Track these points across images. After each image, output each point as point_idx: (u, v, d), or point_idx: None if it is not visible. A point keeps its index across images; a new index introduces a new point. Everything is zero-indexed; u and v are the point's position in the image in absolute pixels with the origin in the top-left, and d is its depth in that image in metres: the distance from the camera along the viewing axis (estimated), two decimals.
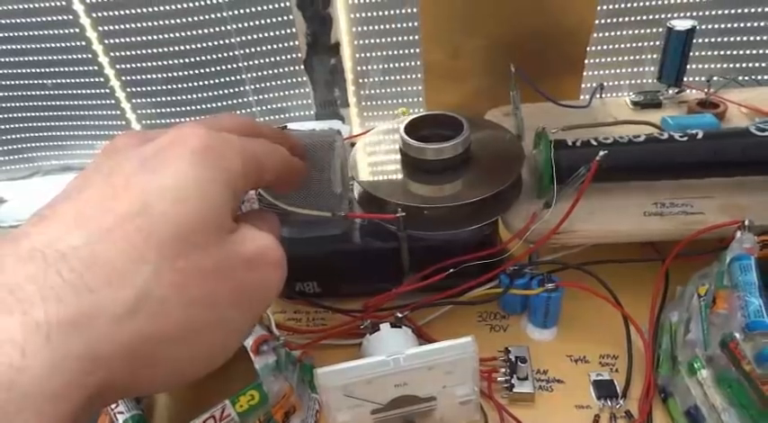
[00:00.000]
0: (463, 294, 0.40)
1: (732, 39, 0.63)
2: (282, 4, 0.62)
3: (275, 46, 0.65)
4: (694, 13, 0.62)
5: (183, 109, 0.69)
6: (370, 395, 0.30)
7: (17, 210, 0.67)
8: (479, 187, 0.39)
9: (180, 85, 0.67)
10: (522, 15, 0.56)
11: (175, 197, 0.20)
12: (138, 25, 0.62)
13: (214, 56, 0.65)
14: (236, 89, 0.68)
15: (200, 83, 0.67)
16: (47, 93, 0.68)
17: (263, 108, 0.70)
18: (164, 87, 0.67)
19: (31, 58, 0.65)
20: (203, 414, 0.29)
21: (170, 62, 0.65)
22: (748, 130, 0.40)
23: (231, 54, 0.65)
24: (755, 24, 0.62)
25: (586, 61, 0.61)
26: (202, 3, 0.61)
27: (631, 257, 0.42)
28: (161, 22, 0.62)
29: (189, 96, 0.68)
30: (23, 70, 0.66)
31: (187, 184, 0.21)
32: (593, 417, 0.35)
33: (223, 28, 0.63)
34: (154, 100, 0.68)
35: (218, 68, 0.66)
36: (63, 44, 0.63)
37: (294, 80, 0.68)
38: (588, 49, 0.59)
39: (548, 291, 0.38)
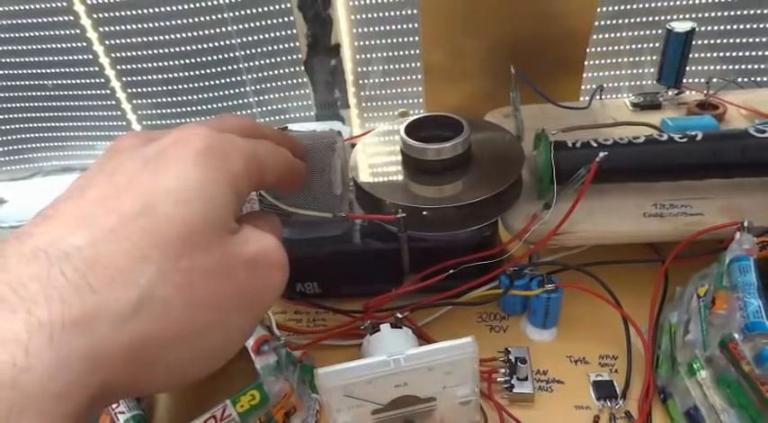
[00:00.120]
0: (463, 295, 0.40)
1: (731, 40, 0.64)
2: (283, 6, 0.62)
3: (276, 47, 0.65)
4: (694, 15, 0.62)
5: (184, 110, 0.69)
6: (371, 395, 0.30)
7: (18, 210, 0.67)
8: (479, 188, 0.40)
9: (181, 86, 0.67)
10: (522, 17, 0.56)
11: (178, 198, 0.20)
12: (139, 26, 0.62)
13: (215, 57, 0.65)
14: (237, 90, 0.68)
15: (201, 84, 0.67)
16: (47, 93, 0.68)
17: (264, 109, 0.70)
18: (164, 88, 0.67)
19: (31, 59, 0.65)
20: (204, 414, 0.29)
21: (171, 63, 0.65)
22: (747, 131, 0.40)
23: (232, 55, 0.65)
24: (755, 26, 0.62)
25: (586, 63, 0.61)
26: (203, 4, 0.61)
27: (631, 258, 0.42)
28: (162, 24, 0.62)
29: (190, 97, 0.68)
30: (24, 71, 0.66)
31: (190, 185, 0.21)
32: (592, 417, 0.35)
33: (224, 29, 0.63)
34: (155, 101, 0.69)
35: (219, 69, 0.66)
36: (64, 45, 0.64)
37: (294, 81, 0.68)
38: (588, 50, 0.59)
39: (547, 291, 0.38)
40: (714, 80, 0.53)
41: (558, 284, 0.39)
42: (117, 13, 0.61)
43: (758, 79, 0.63)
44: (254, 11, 0.62)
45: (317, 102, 0.70)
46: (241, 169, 0.23)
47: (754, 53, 0.64)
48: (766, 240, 0.35)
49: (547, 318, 0.40)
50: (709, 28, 0.63)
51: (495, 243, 0.42)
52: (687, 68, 0.53)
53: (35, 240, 0.19)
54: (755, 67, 0.65)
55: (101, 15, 0.61)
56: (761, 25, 0.62)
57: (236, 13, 0.62)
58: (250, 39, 0.64)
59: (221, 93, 0.68)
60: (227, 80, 0.67)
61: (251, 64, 0.66)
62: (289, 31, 0.64)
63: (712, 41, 0.64)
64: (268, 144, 0.26)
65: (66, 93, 0.68)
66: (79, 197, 0.21)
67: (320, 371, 0.29)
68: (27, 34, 0.63)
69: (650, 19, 0.62)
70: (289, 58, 0.66)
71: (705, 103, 0.52)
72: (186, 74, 0.66)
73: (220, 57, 0.65)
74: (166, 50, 0.64)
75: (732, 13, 0.62)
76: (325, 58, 0.66)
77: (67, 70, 0.66)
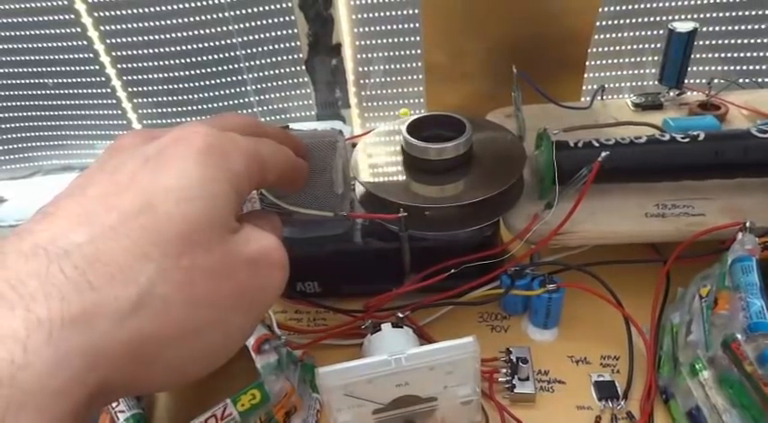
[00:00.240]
0: (464, 295, 0.40)
1: (733, 41, 0.63)
2: (284, 5, 0.62)
3: (277, 46, 0.65)
4: (695, 16, 0.62)
5: (185, 109, 0.69)
6: (372, 395, 0.30)
7: (18, 209, 0.67)
8: (481, 188, 0.39)
9: (181, 86, 0.67)
10: (524, 17, 0.56)
11: (179, 196, 0.20)
12: (140, 25, 0.62)
13: (215, 56, 0.65)
14: (238, 89, 0.68)
15: (202, 83, 0.67)
16: (48, 92, 0.68)
17: (265, 108, 0.70)
18: (165, 87, 0.67)
19: (32, 58, 0.65)
20: (205, 413, 0.29)
21: (171, 62, 0.65)
22: (749, 131, 0.40)
23: (233, 54, 0.65)
24: (756, 27, 0.62)
25: (587, 63, 0.61)
26: (204, 3, 0.61)
27: (633, 259, 0.42)
28: (162, 23, 0.62)
29: (190, 96, 0.68)
30: (24, 70, 0.66)
31: (191, 184, 0.21)
32: (594, 418, 0.35)
33: (225, 28, 0.63)
34: (155, 100, 0.68)
35: (220, 69, 0.66)
36: (64, 44, 0.64)
37: (295, 81, 0.68)
38: (589, 50, 0.59)
39: (549, 291, 0.38)
40: (716, 81, 0.53)
41: (560, 284, 0.39)
42: (117, 12, 0.61)
43: (760, 80, 0.63)
44: (255, 10, 0.62)
45: (318, 101, 0.70)
46: (242, 168, 0.23)
47: (755, 54, 0.64)
48: None
49: (548, 318, 0.40)
50: (711, 28, 0.63)
51: (497, 243, 0.42)
52: (689, 69, 0.53)
53: (35, 237, 0.19)
54: (757, 67, 0.65)
55: (101, 14, 0.61)
56: (763, 26, 0.62)
57: (237, 13, 0.62)
58: (251, 38, 0.64)
59: (222, 92, 0.68)
60: (228, 79, 0.67)
61: (252, 63, 0.66)
62: (290, 31, 0.64)
63: (714, 42, 0.64)
64: (270, 142, 0.26)
65: (66, 91, 0.68)
66: (80, 195, 0.21)
67: (321, 370, 0.29)
68: (27, 33, 0.63)
69: (652, 19, 0.62)
70: (290, 57, 0.66)
71: (707, 103, 0.52)
72: (187, 73, 0.66)
73: (221, 56, 0.65)
74: (167, 49, 0.64)
75: (734, 14, 0.62)
76: (327, 57, 0.66)
77: (68, 69, 0.66)
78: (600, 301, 0.38)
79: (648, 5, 0.61)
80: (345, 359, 0.30)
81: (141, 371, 0.19)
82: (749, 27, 0.62)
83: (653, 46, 0.64)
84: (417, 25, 0.62)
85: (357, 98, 0.70)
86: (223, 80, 0.67)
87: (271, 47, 0.65)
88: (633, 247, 0.42)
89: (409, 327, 0.37)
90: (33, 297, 0.17)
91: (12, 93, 0.68)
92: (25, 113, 0.70)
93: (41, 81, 0.67)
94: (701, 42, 0.63)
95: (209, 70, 0.66)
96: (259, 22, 0.63)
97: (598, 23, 0.61)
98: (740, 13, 0.61)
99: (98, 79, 0.66)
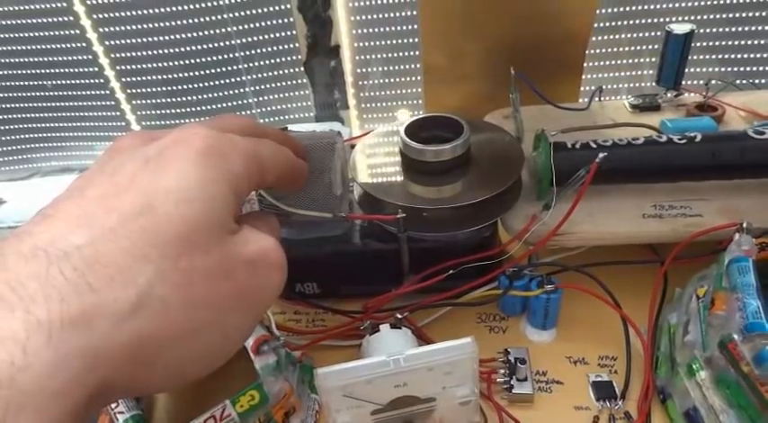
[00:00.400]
0: (463, 296, 0.40)
1: (730, 43, 0.64)
2: (283, 7, 0.62)
3: (276, 48, 0.65)
4: (693, 17, 0.62)
5: (184, 110, 0.69)
6: (370, 396, 0.30)
7: (17, 211, 0.67)
8: (479, 189, 0.40)
9: (180, 87, 0.67)
10: (522, 18, 0.56)
11: (179, 198, 0.20)
12: (139, 27, 0.62)
13: (215, 58, 0.65)
14: (237, 91, 0.68)
15: (201, 84, 0.67)
16: (47, 94, 0.68)
17: (264, 110, 0.70)
18: (164, 89, 0.67)
19: (31, 59, 0.65)
20: (203, 414, 0.29)
21: (171, 64, 0.65)
22: (746, 133, 0.41)
23: (232, 56, 0.65)
24: (753, 29, 0.62)
25: (585, 64, 0.61)
26: (203, 5, 0.61)
27: (630, 259, 0.42)
28: (162, 24, 0.62)
29: (189, 98, 0.68)
30: (24, 71, 0.66)
31: (190, 185, 0.21)
32: (592, 418, 0.35)
33: (224, 30, 0.63)
34: (154, 101, 0.69)
35: (219, 70, 0.66)
36: (63, 45, 0.64)
37: (294, 82, 0.68)
38: (587, 51, 0.59)
39: (547, 292, 0.38)
40: (713, 82, 0.53)
41: (558, 285, 0.39)
42: (117, 14, 0.61)
43: (757, 81, 0.63)
44: (254, 12, 0.63)
45: (317, 103, 0.70)
46: (241, 169, 0.23)
47: (752, 55, 0.64)
48: (765, 241, 0.35)
49: (546, 318, 0.40)
50: (708, 30, 0.63)
51: (495, 244, 0.42)
52: (686, 70, 0.53)
53: (34, 239, 0.19)
54: (754, 69, 0.65)
55: (101, 16, 0.61)
56: (759, 28, 0.62)
57: (236, 14, 0.62)
58: (250, 40, 0.64)
59: (221, 93, 0.68)
60: (227, 81, 0.67)
61: (251, 65, 0.66)
62: (288, 32, 0.64)
63: (711, 43, 0.64)
64: (269, 143, 0.26)
65: (65, 93, 0.68)
66: (79, 196, 0.21)
67: (320, 371, 0.29)
68: (27, 34, 0.63)
69: (649, 21, 0.62)
70: (288, 58, 0.66)
71: (704, 104, 0.52)
72: (186, 74, 0.66)
73: (220, 57, 0.65)
74: (166, 51, 0.64)
75: (731, 16, 0.62)
76: (325, 59, 0.66)
77: (67, 70, 0.66)
78: (598, 301, 0.38)
79: (646, 7, 0.62)
80: (344, 360, 0.30)
81: (140, 372, 0.19)
82: (746, 29, 0.62)
83: (650, 47, 0.64)
84: (416, 27, 0.62)
85: (356, 99, 0.70)
86: (222, 82, 0.67)
87: (269, 48, 0.65)
88: (631, 247, 0.42)
89: (408, 327, 0.37)
90: (33, 299, 0.17)
91: (11, 94, 0.68)
92: (24, 115, 0.70)
93: (41, 82, 0.67)
94: (698, 44, 0.63)
95: (208, 72, 0.66)
96: (258, 24, 0.63)
97: (596, 25, 0.61)
98: (737, 15, 0.62)
99: (97, 81, 0.67)
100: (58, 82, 0.67)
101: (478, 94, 0.61)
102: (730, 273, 0.33)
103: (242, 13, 0.62)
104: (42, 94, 0.68)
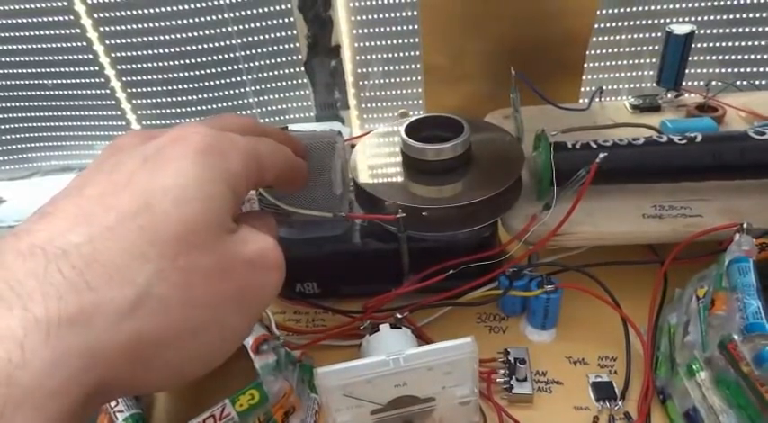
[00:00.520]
0: (463, 296, 0.40)
1: (730, 44, 0.64)
2: (283, 7, 0.62)
3: (276, 48, 0.65)
4: (693, 18, 0.62)
5: (184, 110, 0.69)
6: (370, 395, 0.30)
7: (16, 210, 0.67)
8: (479, 189, 0.40)
9: (181, 87, 0.67)
10: (522, 19, 0.56)
11: (177, 197, 0.20)
12: (140, 26, 0.62)
13: (215, 57, 0.65)
14: (237, 91, 0.68)
15: (201, 84, 0.67)
16: (47, 93, 0.68)
17: (264, 110, 0.70)
18: (164, 88, 0.67)
19: (31, 59, 0.65)
20: (203, 413, 0.29)
21: (171, 63, 0.65)
22: (747, 133, 0.41)
23: (232, 56, 0.65)
24: (753, 30, 0.62)
25: (586, 65, 0.61)
26: (204, 4, 0.61)
27: (630, 260, 0.42)
28: (162, 24, 0.62)
29: (190, 97, 0.68)
30: (24, 70, 0.66)
31: (188, 184, 0.21)
32: (591, 418, 0.35)
33: (224, 30, 0.63)
34: (154, 101, 0.69)
35: (219, 70, 0.66)
36: (64, 45, 0.64)
37: (295, 82, 0.68)
38: (587, 52, 0.59)
39: (547, 292, 0.38)
40: (713, 83, 0.53)
41: (558, 285, 0.39)
42: (117, 13, 0.61)
43: (757, 82, 0.64)
44: (255, 11, 0.63)
45: (317, 103, 0.70)
46: (240, 168, 0.23)
47: (752, 56, 0.64)
48: (765, 242, 0.35)
49: (546, 318, 0.40)
50: (709, 31, 0.63)
51: (495, 244, 0.42)
52: (686, 71, 0.53)
53: (32, 237, 0.19)
54: (754, 70, 0.65)
55: (101, 15, 0.61)
56: (759, 29, 0.62)
57: (237, 14, 0.62)
58: (250, 39, 0.64)
59: (221, 93, 0.68)
60: (228, 81, 0.67)
61: (251, 64, 0.66)
62: (289, 32, 0.64)
63: (711, 44, 0.64)
64: (269, 141, 0.26)
65: (65, 92, 0.68)
66: (78, 195, 0.21)
67: (320, 370, 0.29)
68: (27, 34, 0.63)
69: (650, 22, 0.62)
70: (289, 58, 0.66)
71: (704, 105, 0.52)
72: (186, 74, 0.66)
73: (221, 57, 0.65)
74: (166, 50, 0.64)
75: (731, 17, 0.62)
76: (326, 59, 0.66)
77: (67, 70, 0.66)
78: (598, 301, 0.38)
79: (646, 8, 0.62)
80: (344, 360, 0.30)
81: (138, 371, 0.19)
82: (746, 30, 0.62)
83: (651, 48, 0.64)
84: (416, 27, 0.62)
85: (356, 99, 0.70)
86: (222, 81, 0.67)
87: (270, 48, 0.65)
88: (631, 248, 0.42)
89: (408, 327, 0.37)
90: (31, 297, 0.17)
91: (11, 93, 0.68)
92: (25, 114, 0.70)
93: (41, 82, 0.67)
94: (698, 45, 0.63)
95: (208, 71, 0.66)
96: (258, 24, 0.63)
97: (596, 26, 0.61)
98: (737, 16, 0.62)
99: (97, 80, 0.67)
100: (59, 81, 0.67)
101: (479, 95, 0.61)
102: (730, 273, 0.33)
103: (242, 13, 0.62)
104: (42, 93, 0.68)
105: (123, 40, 0.63)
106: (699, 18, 0.62)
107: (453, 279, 0.39)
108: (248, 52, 0.65)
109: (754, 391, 0.29)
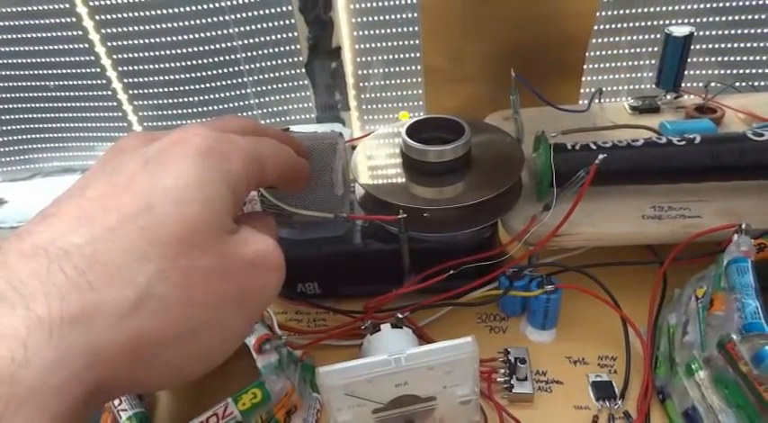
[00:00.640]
0: (463, 296, 0.40)
1: (729, 45, 0.64)
2: (284, 9, 0.62)
3: (277, 49, 0.66)
4: (692, 20, 0.62)
5: (186, 111, 0.70)
6: (371, 394, 0.30)
7: (18, 211, 0.67)
8: (480, 190, 0.40)
9: (182, 88, 0.67)
10: (522, 20, 0.56)
11: (177, 198, 0.21)
12: (142, 28, 0.62)
13: (216, 59, 0.65)
14: (238, 92, 0.68)
15: (203, 86, 0.67)
16: (49, 94, 0.69)
17: (265, 111, 0.71)
18: (166, 90, 0.67)
19: (33, 60, 0.65)
20: (206, 412, 0.29)
21: (172, 65, 0.65)
22: (745, 134, 0.41)
23: (233, 57, 0.65)
24: (752, 31, 0.63)
25: (585, 66, 0.61)
26: (205, 6, 0.61)
27: (630, 260, 0.42)
28: (164, 26, 0.62)
29: (191, 99, 0.68)
30: (26, 72, 0.67)
31: (188, 185, 0.21)
32: (591, 417, 0.35)
33: (225, 31, 0.63)
34: (156, 102, 0.69)
35: (221, 71, 0.66)
36: (66, 46, 0.64)
37: (295, 83, 0.69)
38: (587, 54, 0.60)
39: (547, 293, 0.39)
40: (712, 84, 0.53)
41: (558, 286, 0.39)
42: (119, 15, 0.62)
43: (756, 84, 0.64)
44: (256, 13, 0.63)
45: (318, 104, 0.70)
46: (240, 169, 0.23)
47: (751, 58, 0.64)
48: (764, 242, 0.36)
49: (546, 319, 0.40)
50: (708, 33, 0.63)
51: (495, 244, 0.43)
52: (685, 73, 0.53)
53: (35, 238, 0.19)
54: (753, 71, 0.65)
55: (103, 17, 0.62)
56: (758, 30, 0.62)
57: (238, 16, 0.63)
58: (251, 41, 0.65)
59: (223, 94, 0.68)
60: (229, 82, 0.67)
61: (252, 66, 0.66)
62: (290, 34, 0.65)
63: (710, 46, 0.64)
64: (271, 142, 0.26)
65: (67, 94, 0.68)
66: (80, 196, 0.21)
67: (321, 369, 0.29)
68: (29, 35, 0.63)
69: (649, 23, 0.63)
70: (290, 60, 0.67)
71: (703, 106, 0.52)
72: (188, 76, 0.66)
73: (222, 59, 0.65)
74: (168, 52, 0.64)
75: (730, 19, 0.62)
76: (326, 60, 0.66)
77: (69, 71, 0.66)
78: (597, 302, 0.38)
79: (645, 10, 0.62)
80: (345, 359, 0.30)
81: (139, 370, 0.19)
82: (745, 31, 0.63)
83: (650, 50, 0.65)
84: (417, 29, 0.62)
85: (357, 101, 0.70)
86: (224, 83, 0.67)
87: (271, 50, 0.66)
88: (630, 248, 0.42)
89: (409, 327, 0.37)
90: (34, 297, 0.17)
91: (13, 95, 0.68)
92: (26, 115, 0.71)
93: (43, 83, 0.68)
94: (697, 46, 0.63)
95: (209, 73, 0.66)
96: (259, 26, 0.64)
97: (596, 27, 0.61)
98: (736, 18, 0.62)
99: (99, 82, 0.67)
100: (61, 83, 0.67)
101: (479, 96, 0.61)
102: (729, 273, 0.33)
103: (244, 15, 0.63)
104: (44, 94, 0.69)
105: (125, 42, 0.64)
106: (698, 20, 0.62)
107: (454, 279, 0.39)
108: (249, 54, 0.65)
109: (753, 390, 0.29)
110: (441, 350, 0.30)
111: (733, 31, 0.63)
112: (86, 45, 0.63)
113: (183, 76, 0.66)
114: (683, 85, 0.54)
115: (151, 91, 0.68)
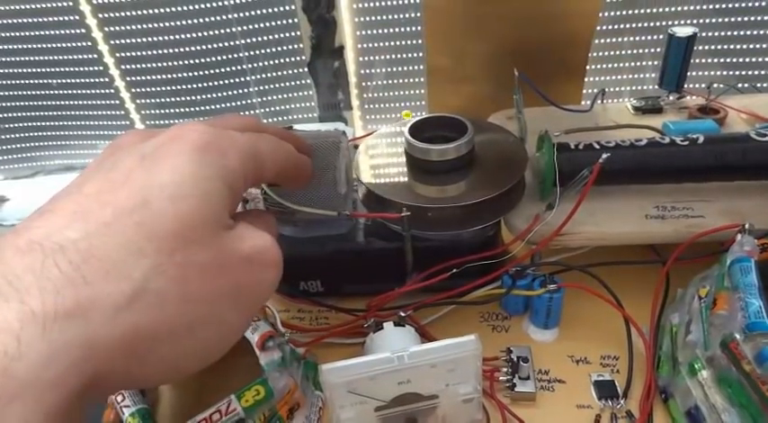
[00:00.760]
0: (466, 295, 0.40)
1: (732, 46, 0.64)
2: (287, 8, 0.63)
3: (280, 48, 0.66)
4: (695, 21, 0.62)
5: (188, 110, 0.70)
6: (374, 392, 0.30)
7: (20, 209, 0.67)
8: (483, 189, 0.40)
9: (184, 87, 0.67)
10: (525, 21, 0.56)
11: (173, 193, 0.21)
12: (144, 26, 0.62)
13: (219, 57, 0.65)
14: (241, 91, 0.69)
15: (205, 84, 0.67)
16: (51, 92, 0.69)
17: (267, 110, 0.71)
18: (168, 88, 0.68)
19: (36, 58, 0.65)
20: (209, 408, 0.29)
21: (175, 63, 0.65)
22: (748, 135, 0.41)
23: (236, 56, 0.65)
24: (755, 32, 0.63)
25: (588, 67, 0.61)
26: (208, 5, 0.61)
27: (632, 260, 0.42)
28: (166, 24, 0.63)
29: (193, 97, 0.68)
30: (29, 70, 0.67)
31: (184, 181, 0.21)
32: (594, 417, 0.35)
33: (228, 30, 0.63)
34: (158, 101, 0.69)
35: (223, 70, 0.66)
36: (69, 44, 0.64)
37: (298, 82, 0.69)
38: (590, 54, 0.60)
39: (549, 292, 0.39)
40: (715, 85, 0.53)
41: (560, 285, 0.39)
42: (122, 14, 0.62)
43: (758, 84, 0.64)
44: (259, 12, 0.63)
45: (320, 103, 0.70)
46: (237, 165, 0.23)
47: (754, 59, 0.64)
48: (767, 242, 0.36)
49: (549, 318, 0.40)
50: (710, 34, 0.63)
51: (498, 243, 0.43)
52: (688, 73, 0.53)
53: (31, 233, 0.19)
54: (756, 72, 0.65)
55: (106, 15, 0.62)
56: (761, 31, 0.62)
57: (241, 15, 0.63)
58: (254, 40, 0.65)
59: (225, 93, 0.68)
60: (231, 81, 0.68)
61: (255, 65, 0.67)
62: (293, 33, 0.65)
63: (713, 47, 0.64)
64: (270, 138, 0.26)
65: (70, 92, 0.69)
66: (76, 193, 0.21)
67: (324, 367, 0.29)
68: (32, 33, 0.63)
69: (652, 24, 0.63)
70: (292, 59, 0.67)
71: (706, 107, 0.52)
72: (190, 74, 0.66)
73: (224, 57, 0.65)
74: (171, 51, 0.64)
75: (733, 20, 0.62)
76: (329, 59, 0.67)
77: (72, 69, 0.66)
78: (600, 301, 0.38)
79: (648, 10, 0.62)
80: (348, 357, 0.30)
81: (134, 365, 0.19)
82: (748, 32, 0.63)
83: (653, 50, 0.65)
84: (419, 28, 0.62)
85: (359, 100, 0.70)
86: (226, 81, 0.67)
87: (274, 49, 0.66)
88: (633, 248, 0.42)
89: (411, 326, 0.37)
90: (28, 291, 0.17)
91: (15, 93, 0.69)
92: (29, 113, 0.71)
93: (45, 81, 0.68)
94: (700, 47, 0.64)
95: (212, 72, 0.66)
96: (262, 25, 0.64)
97: (599, 28, 0.61)
98: (739, 19, 0.62)
99: (102, 80, 0.67)
100: (63, 81, 0.68)
101: (482, 96, 0.61)
102: (732, 273, 0.33)
103: (247, 14, 0.63)
104: (46, 92, 0.69)
105: (128, 40, 0.64)
106: (701, 20, 0.62)
107: (457, 278, 0.39)
108: (252, 53, 0.66)
109: (756, 389, 0.29)
110: (444, 348, 0.30)
111: (736, 33, 0.63)
112: (89, 43, 0.63)
113: (185, 74, 0.66)
114: (685, 85, 0.54)
115: (153, 90, 0.68)
